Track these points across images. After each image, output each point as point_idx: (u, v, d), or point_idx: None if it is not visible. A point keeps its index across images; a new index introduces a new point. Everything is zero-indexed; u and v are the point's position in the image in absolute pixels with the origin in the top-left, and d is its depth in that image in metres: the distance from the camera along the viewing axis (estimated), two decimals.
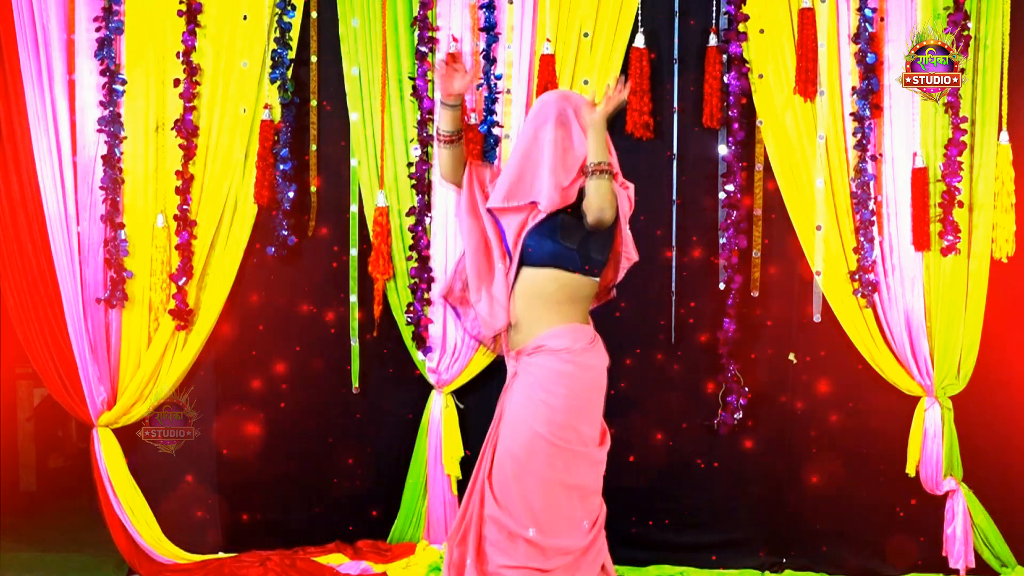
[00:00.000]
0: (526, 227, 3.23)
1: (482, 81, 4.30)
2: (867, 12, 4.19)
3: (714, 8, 4.30)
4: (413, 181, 4.36)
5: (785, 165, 4.26)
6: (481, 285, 3.29)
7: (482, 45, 4.30)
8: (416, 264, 4.36)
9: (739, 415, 4.33)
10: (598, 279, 3.31)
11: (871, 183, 4.23)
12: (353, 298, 4.45)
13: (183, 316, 4.34)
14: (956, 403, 4.25)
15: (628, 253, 3.41)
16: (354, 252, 4.44)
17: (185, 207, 4.36)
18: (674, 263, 4.39)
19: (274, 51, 4.33)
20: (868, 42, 4.19)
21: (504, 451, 3.19)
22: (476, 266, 3.31)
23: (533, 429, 3.15)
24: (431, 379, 4.41)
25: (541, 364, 3.19)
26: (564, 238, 3.20)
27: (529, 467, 3.15)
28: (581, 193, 3.23)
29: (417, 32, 4.32)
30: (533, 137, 3.25)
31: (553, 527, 3.16)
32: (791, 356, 4.38)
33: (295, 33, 4.35)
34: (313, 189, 4.46)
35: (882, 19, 4.23)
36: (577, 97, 3.33)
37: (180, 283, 4.33)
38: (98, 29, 4.34)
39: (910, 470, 4.25)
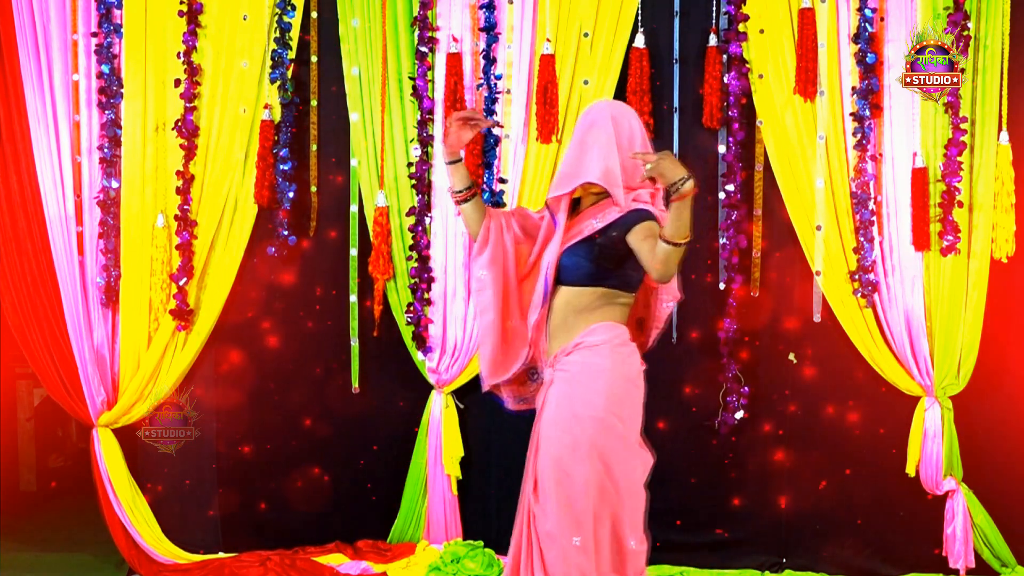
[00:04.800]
0: (565, 244, 3.09)
1: (482, 81, 4.30)
2: (867, 12, 4.19)
3: (714, 8, 4.30)
4: (413, 181, 4.36)
5: (785, 165, 4.26)
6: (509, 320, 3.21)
7: (482, 45, 4.30)
8: (416, 264, 4.36)
9: (739, 415, 4.33)
10: (635, 293, 3.14)
11: (871, 183, 4.22)
12: (353, 298, 4.45)
13: (183, 316, 4.34)
14: (956, 403, 4.25)
15: (669, 289, 3.21)
16: (354, 252, 4.44)
17: (185, 207, 4.36)
18: None
19: (274, 51, 4.33)
20: (868, 42, 4.19)
21: (547, 458, 3.02)
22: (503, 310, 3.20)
23: (574, 431, 2.99)
24: (431, 379, 4.41)
25: (578, 361, 3.04)
26: (603, 260, 3.04)
27: (571, 470, 2.97)
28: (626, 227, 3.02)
29: (417, 32, 4.33)
30: (583, 134, 3.04)
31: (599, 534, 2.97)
32: (791, 356, 4.38)
33: (295, 33, 4.35)
34: (313, 189, 4.46)
35: (882, 19, 4.23)
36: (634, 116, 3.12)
37: (180, 283, 4.33)
38: (97, 30, 4.35)
39: (910, 470, 4.25)
